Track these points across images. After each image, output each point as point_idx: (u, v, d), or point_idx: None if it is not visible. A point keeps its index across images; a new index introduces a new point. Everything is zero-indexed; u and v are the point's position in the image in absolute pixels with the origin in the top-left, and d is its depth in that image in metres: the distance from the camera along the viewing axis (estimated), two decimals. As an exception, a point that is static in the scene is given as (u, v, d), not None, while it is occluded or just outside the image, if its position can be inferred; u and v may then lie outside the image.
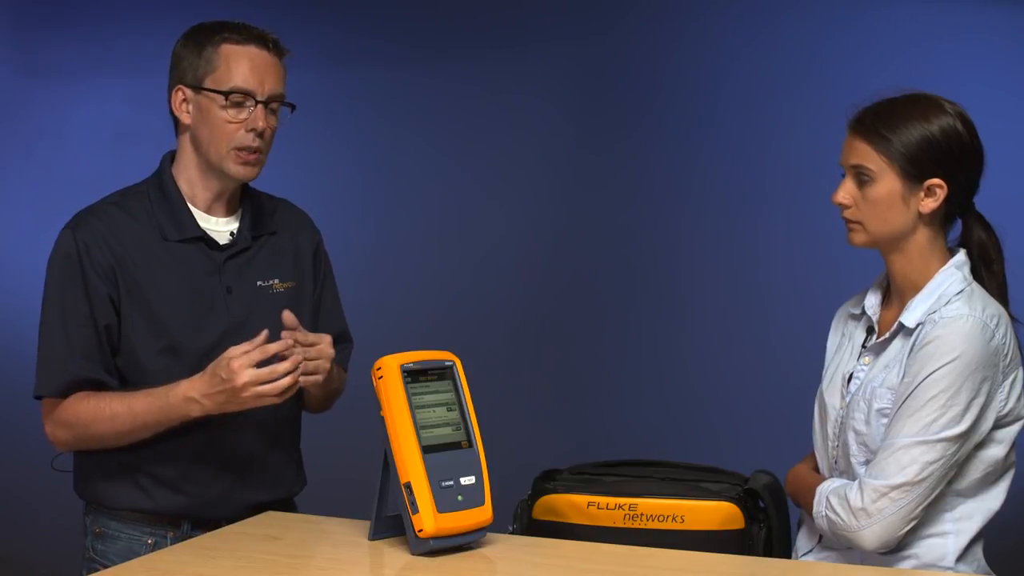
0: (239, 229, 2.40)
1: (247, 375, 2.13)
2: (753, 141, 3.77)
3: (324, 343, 2.26)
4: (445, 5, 4.11)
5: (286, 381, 2.15)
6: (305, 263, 2.48)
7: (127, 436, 2.27)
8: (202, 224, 2.36)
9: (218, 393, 2.16)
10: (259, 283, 2.39)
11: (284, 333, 2.20)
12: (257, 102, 2.29)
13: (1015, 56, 3.53)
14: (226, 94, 2.28)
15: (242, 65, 2.29)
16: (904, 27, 3.60)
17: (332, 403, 2.54)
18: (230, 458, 2.34)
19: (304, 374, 2.20)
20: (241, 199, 2.43)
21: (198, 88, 2.31)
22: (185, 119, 2.34)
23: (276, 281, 2.41)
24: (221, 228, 2.39)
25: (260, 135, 2.30)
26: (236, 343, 2.20)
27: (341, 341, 2.52)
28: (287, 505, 2.45)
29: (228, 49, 2.30)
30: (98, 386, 2.29)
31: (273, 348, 2.16)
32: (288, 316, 2.22)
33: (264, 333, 2.17)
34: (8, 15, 4.66)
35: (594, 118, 3.96)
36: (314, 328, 2.46)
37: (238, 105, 2.29)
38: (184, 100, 2.33)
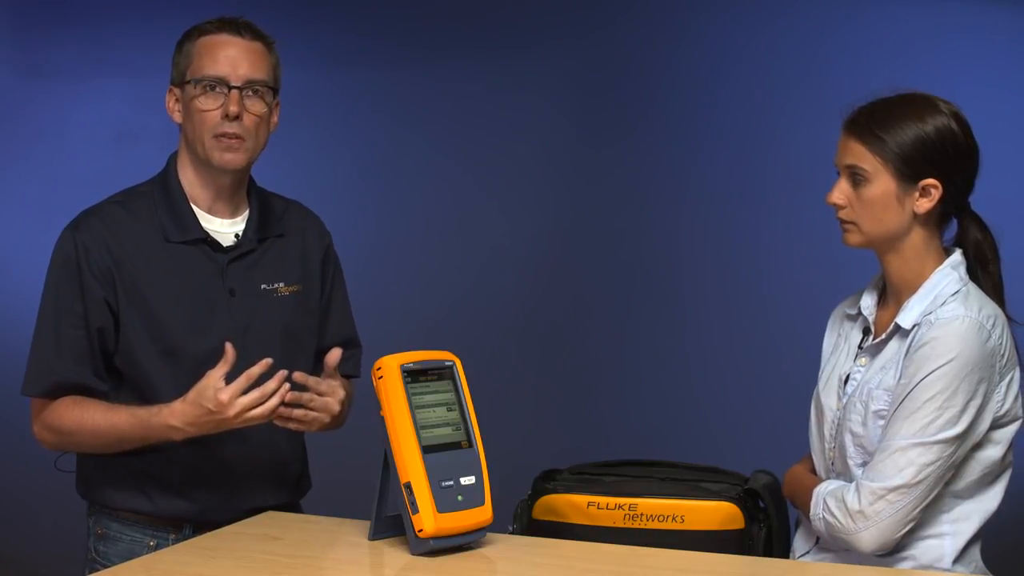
0: (244, 231, 2.39)
1: (237, 406, 2.13)
2: (753, 140, 3.77)
3: (334, 398, 2.26)
4: (445, 5, 4.11)
5: (274, 401, 2.14)
6: (313, 266, 2.47)
7: (110, 448, 2.27)
8: (205, 225, 2.35)
9: (205, 423, 2.16)
10: (263, 286, 2.38)
11: (297, 375, 2.20)
12: (231, 87, 2.29)
13: (1015, 56, 3.53)
14: (199, 82, 2.30)
15: (215, 53, 2.31)
16: (904, 27, 3.60)
17: (336, 427, 2.52)
18: (234, 465, 2.34)
19: (292, 412, 2.21)
20: (249, 200, 2.43)
21: (181, 84, 2.33)
22: (177, 118, 2.37)
23: (281, 284, 2.40)
24: (226, 230, 2.38)
25: (237, 120, 2.29)
26: (239, 346, 2.18)
27: (350, 347, 2.52)
28: (291, 509, 2.44)
29: (202, 40, 2.33)
30: (85, 390, 2.29)
31: (256, 371, 2.14)
32: (332, 355, 2.26)
33: (230, 349, 2.15)
34: (8, 15, 4.66)
35: (594, 118, 3.96)
36: (321, 332, 2.46)
37: (212, 91, 2.30)
38: (176, 100, 2.36)
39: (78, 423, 2.26)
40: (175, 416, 2.17)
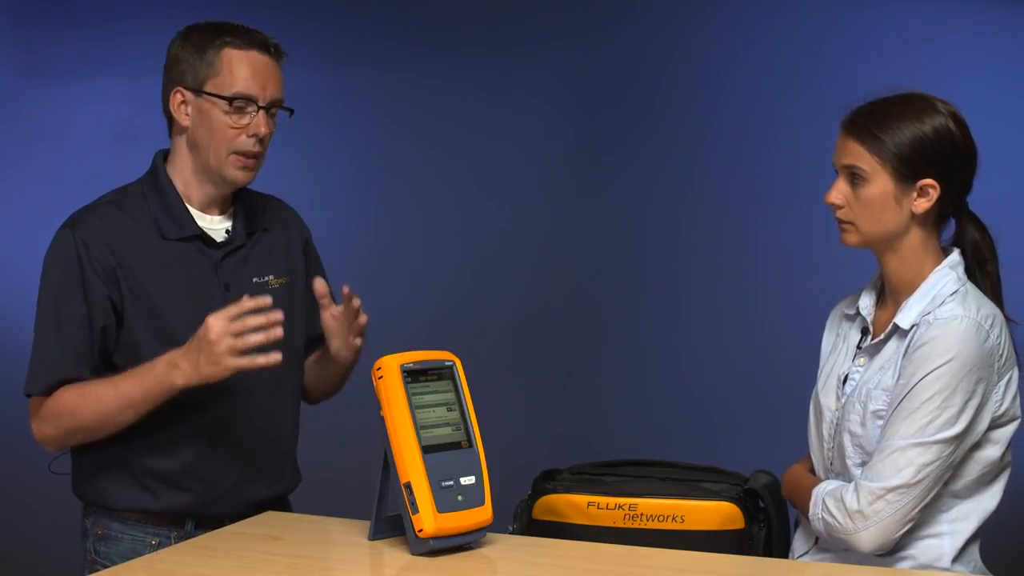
0: (233, 227, 2.40)
1: (219, 325, 2.13)
2: (752, 142, 3.77)
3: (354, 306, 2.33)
4: (445, 5, 4.11)
5: (259, 336, 2.13)
6: (297, 259, 2.50)
7: (113, 418, 2.24)
8: (198, 223, 2.37)
9: (195, 351, 2.16)
10: (255, 279, 2.39)
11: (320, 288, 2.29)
12: (259, 107, 2.29)
13: (1015, 56, 3.53)
14: (229, 99, 2.28)
15: (244, 70, 2.29)
16: (904, 27, 3.60)
17: (343, 384, 2.55)
18: (233, 453, 2.35)
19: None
20: (233, 197, 2.43)
21: (199, 91, 2.30)
22: (184, 121, 2.33)
23: (271, 277, 2.42)
24: (216, 226, 2.39)
25: (260, 140, 2.31)
26: None
27: None
28: (283, 502, 2.46)
29: (230, 53, 2.29)
30: None
31: (249, 304, 2.14)
32: (320, 283, 2.31)
33: (245, 297, 2.17)
34: (8, 15, 4.66)
35: (593, 119, 3.96)
36: (311, 321, 2.47)
37: (240, 111, 2.29)
38: (183, 102, 2.32)
39: (81, 397, 2.25)
40: (175, 354, 2.19)
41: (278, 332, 2.15)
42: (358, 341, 2.38)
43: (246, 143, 2.30)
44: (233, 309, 2.14)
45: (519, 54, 4.02)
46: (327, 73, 4.15)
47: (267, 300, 2.17)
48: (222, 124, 2.29)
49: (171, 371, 2.19)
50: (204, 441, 2.31)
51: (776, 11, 3.76)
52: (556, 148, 4.00)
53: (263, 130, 2.30)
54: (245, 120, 2.29)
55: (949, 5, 3.58)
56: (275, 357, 2.15)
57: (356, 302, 2.32)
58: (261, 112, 2.29)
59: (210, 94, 2.29)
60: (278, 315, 2.16)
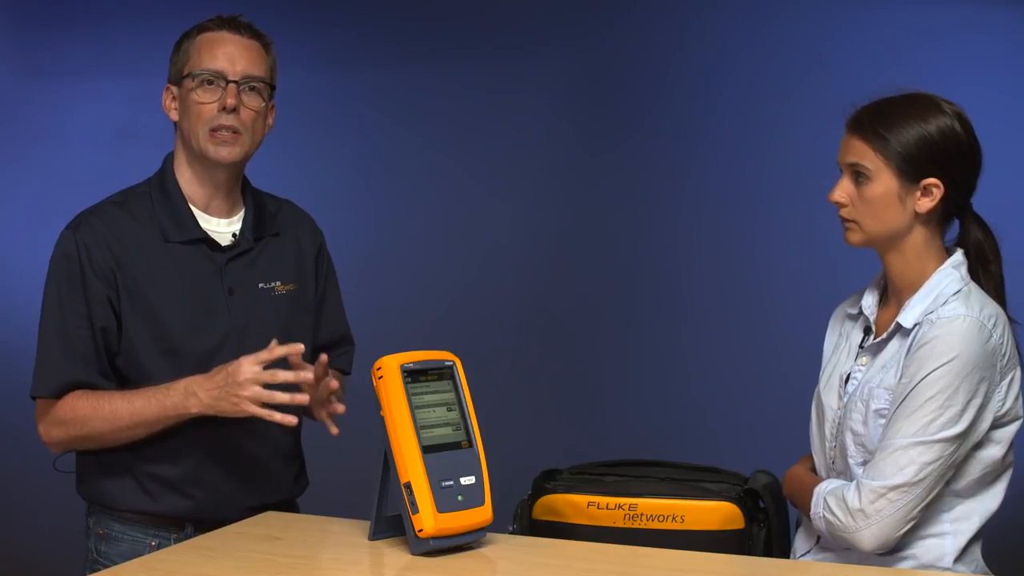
0: (241, 230, 2.39)
1: (250, 370, 2.13)
2: (753, 141, 3.77)
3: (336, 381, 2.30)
4: (445, 5, 4.11)
5: (282, 396, 2.13)
6: (307, 265, 2.48)
7: (123, 433, 2.26)
8: (203, 225, 2.36)
9: (216, 386, 2.16)
10: (261, 285, 2.39)
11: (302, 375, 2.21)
12: (228, 81, 2.30)
13: (1015, 56, 3.53)
14: (196, 76, 2.31)
15: (213, 48, 2.32)
16: (904, 27, 3.60)
17: None
18: (234, 461, 2.34)
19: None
20: (244, 200, 2.43)
21: (179, 81, 2.34)
22: (173, 116, 2.38)
23: (278, 283, 2.41)
24: (223, 229, 2.39)
25: (234, 113, 2.30)
26: (238, 345, 2.20)
27: (343, 344, 2.54)
28: (289, 507, 2.46)
29: (202, 38, 2.34)
30: (93, 388, 2.29)
31: (282, 351, 2.15)
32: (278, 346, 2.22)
33: (275, 342, 2.16)
34: (8, 15, 4.66)
35: (594, 118, 3.96)
36: (315, 329, 2.47)
37: (210, 85, 2.31)
38: (173, 98, 2.37)
39: (93, 409, 2.26)
40: (195, 380, 2.20)
41: (304, 399, 2.16)
42: (334, 430, 2.31)
43: (218, 117, 2.30)
44: (264, 355, 2.14)
45: (519, 54, 4.02)
46: (327, 73, 4.15)
47: (300, 348, 2.16)
48: (195, 103, 2.31)
49: (188, 398, 2.20)
50: (204, 449, 2.31)
51: (776, 11, 3.76)
52: (557, 147, 4.00)
53: (231, 100, 2.29)
54: (217, 95, 2.31)
55: (949, 5, 3.58)
56: (291, 420, 2.16)
57: (330, 384, 2.26)
58: (231, 86, 2.30)
59: (184, 77, 2.33)
60: (308, 376, 2.17)
